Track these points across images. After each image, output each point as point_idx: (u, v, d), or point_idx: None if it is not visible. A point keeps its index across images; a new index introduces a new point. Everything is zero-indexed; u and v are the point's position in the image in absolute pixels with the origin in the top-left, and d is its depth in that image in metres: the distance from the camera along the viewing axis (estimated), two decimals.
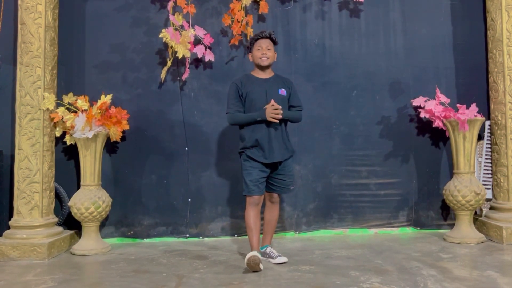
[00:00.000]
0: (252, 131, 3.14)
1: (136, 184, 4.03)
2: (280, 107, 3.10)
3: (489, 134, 4.05)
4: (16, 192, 3.62)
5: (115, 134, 3.78)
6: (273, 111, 3.06)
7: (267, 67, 3.23)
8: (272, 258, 3.22)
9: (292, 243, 3.82)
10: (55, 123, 3.75)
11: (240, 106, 3.19)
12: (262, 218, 3.41)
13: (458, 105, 3.82)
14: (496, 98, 3.92)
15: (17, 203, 3.60)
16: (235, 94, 3.19)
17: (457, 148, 3.78)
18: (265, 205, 3.32)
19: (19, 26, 3.68)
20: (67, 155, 3.99)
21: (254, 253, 2.98)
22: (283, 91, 3.22)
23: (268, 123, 3.12)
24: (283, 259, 3.20)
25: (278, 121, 3.10)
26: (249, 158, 3.14)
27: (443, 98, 3.92)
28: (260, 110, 3.11)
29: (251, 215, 3.13)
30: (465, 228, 3.74)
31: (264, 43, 3.20)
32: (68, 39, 3.99)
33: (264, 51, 3.19)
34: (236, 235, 4.03)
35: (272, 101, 3.09)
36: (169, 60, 3.98)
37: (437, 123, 3.91)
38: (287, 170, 3.24)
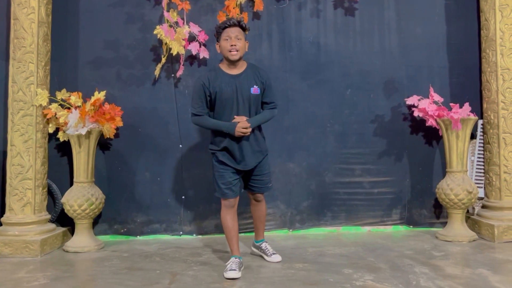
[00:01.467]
0: (221, 136, 2.96)
1: (130, 181, 4.01)
2: (249, 125, 2.89)
3: (481, 133, 4.08)
4: (8, 188, 3.59)
5: (109, 130, 3.76)
6: (242, 129, 2.86)
7: (238, 60, 2.95)
8: (267, 255, 3.19)
9: (285, 241, 3.83)
10: (48, 119, 3.72)
11: (204, 107, 2.95)
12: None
13: (451, 104, 3.84)
14: (489, 97, 3.95)
15: (9, 199, 3.58)
16: (199, 94, 2.93)
17: (450, 147, 3.80)
18: (251, 203, 3.28)
19: (12, 21, 3.64)
20: (60, 151, 3.96)
21: (235, 274, 2.80)
22: (255, 89, 2.94)
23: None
24: (277, 257, 3.16)
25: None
26: (220, 160, 2.98)
27: (437, 97, 3.94)
28: (230, 108, 2.92)
29: (228, 218, 2.99)
30: (457, 227, 3.77)
31: (233, 32, 2.88)
32: (61, 35, 3.96)
33: (233, 42, 2.86)
34: None
35: (240, 118, 2.89)
36: (164, 57, 3.96)
37: (431, 122, 3.93)
38: (263, 170, 3.09)
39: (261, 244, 3.25)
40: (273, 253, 3.18)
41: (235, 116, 2.92)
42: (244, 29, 2.97)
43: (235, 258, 2.95)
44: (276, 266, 3.09)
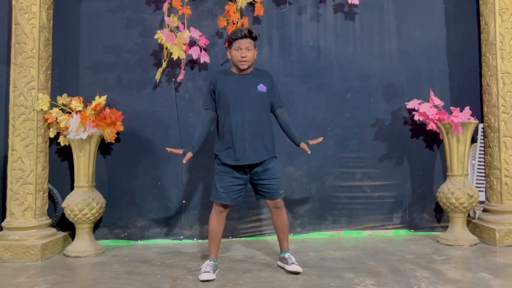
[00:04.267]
0: (228, 130, 2.99)
1: (130, 185, 4.02)
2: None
3: (482, 137, 4.08)
4: (9, 193, 3.60)
5: (109, 135, 3.77)
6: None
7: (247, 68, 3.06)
8: (287, 264, 3.03)
9: None
10: (49, 124, 3.73)
11: (212, 103, 3.08)
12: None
13: (451, 108, 3.84)
14: (489, 101, 3.95)
15: (10, 204, 3.58)
16: (208, 90, 3.10)
17: (450, 151, 3.80)
18: (271, 213, 3.15)
19: (13, 26, 3.66)
20: (60, 156, 3.97)
21: (209, 276, 2.86)
22: (262, 87, 3.03)
23: (245, 123, 2.96)
24: (296, 268, 2.97)
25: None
26: (222, 163, 3.01)
27: (437, 101, 3.94)
28: (236, 105, 2.97)
29: (214, 223, 3.02)
30: (458, 230, 3.76)
31: (244, 44, 2.96)
32: (62, 40, 3.97)
33: (243, 54, 2.96)
34: (230, 237, 4.02)
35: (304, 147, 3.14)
36: (164, 62, 3.97)
37: (431, 126, 3.93)
38: (270, 174, 3.02)
39: (284, 255, 3.11)
40: (293, 263, 3.01)
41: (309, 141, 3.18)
42: (254, 38, 3.03)
43: (210, 261, 3.00)
44: (277, 270, 3.08)
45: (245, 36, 2.97)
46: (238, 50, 2.98)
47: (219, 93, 3.04)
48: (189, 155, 3.04)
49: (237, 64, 3.03)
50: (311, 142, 3.18)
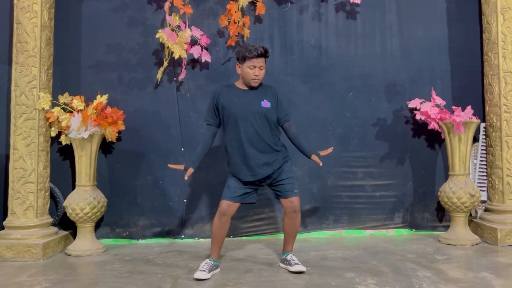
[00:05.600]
0: (232, 146, 3.00)
1: (132, 184, 4.02)
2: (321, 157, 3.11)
3: (484, 136, 4.07)
4: (10, 192, 3.60)
5: (111, 134, 3.77)
6: None
7: None
8: (290, 265, 3.03)
9: None
10: (50, 123, 3.73)
11: (214, 118, 3.05)
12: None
13: (453, 107, 3.83)
14: (491, 100, 3.94)
15: (12, 203, 3.59)
16: (210, 105, 3.06)
17: (452, 150, 3.79)
18: (286, 216, 3.07)
19: (15, 25, 3.66)
20: (62, 155, 3.97)
21: (203, 275, 2.88)
22: (266, 103, 3.01)
23: (248, 139, 2.95)
24: (300, 267, 2.98)
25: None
26: (234, 176, 3.05)
27: (439, 100, 3.93)
28: (240, 121, 2.96)
29: (217, 225, 3.00)
30: (460, 230, 3.76)
31: (258, 63, 2.95)
32: (64, 39, 3.98)
33: (256, 73, 2.96)
34: (232, 236, 4.02)
35: (315, 158, 3.11)
36: (166, 61, 3.97)
37: (433, 125, 3.92)
38: (285, 175, 3.04)
39: (287, 256, 3.11)
40: (296, 263, 3.02)
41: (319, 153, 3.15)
42: (267, 57, 3.02)
43: (210, 260, 3.01)
44: (278, 270, 3.08)
45: (261, 55, 2.95)
46: (252, 68, 2.96)
47: (223, 108, 3.01)
48: (190, 170, 3.02)
49: (248, 81, 3.00)
50: (322, 153, 3.17)
